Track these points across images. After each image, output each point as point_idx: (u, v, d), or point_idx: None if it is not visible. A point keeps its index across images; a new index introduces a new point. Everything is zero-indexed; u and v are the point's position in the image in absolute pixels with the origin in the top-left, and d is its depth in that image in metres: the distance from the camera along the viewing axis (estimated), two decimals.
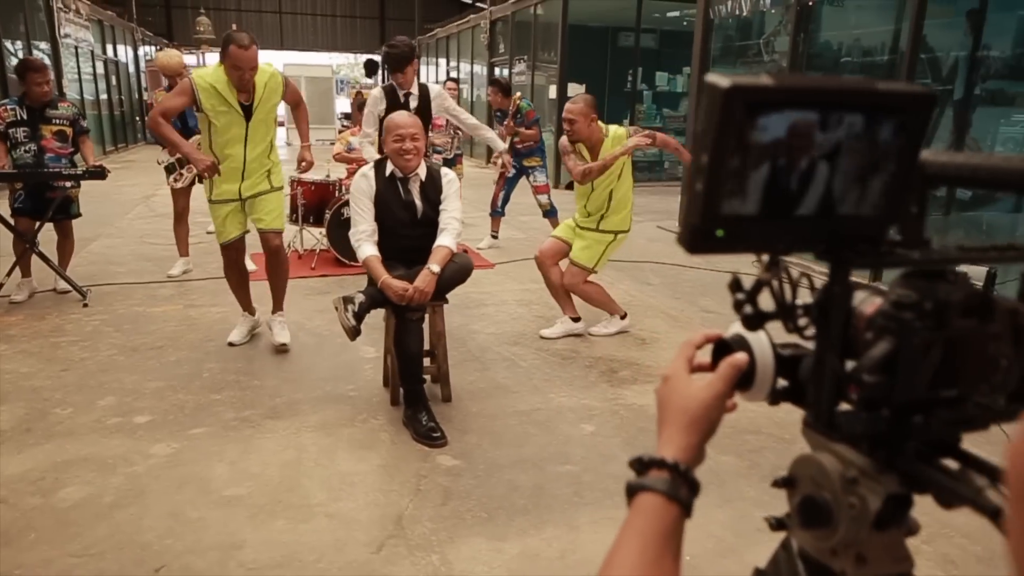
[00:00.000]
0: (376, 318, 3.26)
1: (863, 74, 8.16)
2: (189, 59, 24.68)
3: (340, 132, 19.69)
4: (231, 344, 4.00)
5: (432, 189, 3.24)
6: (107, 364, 3.76)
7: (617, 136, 4.07)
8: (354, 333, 3.04)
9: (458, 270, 3.14)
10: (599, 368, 3.84)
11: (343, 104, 23.01)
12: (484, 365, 3.85)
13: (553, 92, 11.53)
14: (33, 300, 4.84)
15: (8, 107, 4.66)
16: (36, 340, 4.08)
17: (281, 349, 3.95)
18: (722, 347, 0.77)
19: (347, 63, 36.04)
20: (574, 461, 2.84)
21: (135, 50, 18.81)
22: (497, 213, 6.90)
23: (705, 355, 0.80)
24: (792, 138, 0.54)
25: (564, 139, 4.17)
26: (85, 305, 4.69)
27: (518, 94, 6.97)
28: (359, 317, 3.03)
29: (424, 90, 4.60)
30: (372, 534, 2.34)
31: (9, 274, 4.71)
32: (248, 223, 3.96)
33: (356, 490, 2.60)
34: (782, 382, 0.76)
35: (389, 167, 3.22)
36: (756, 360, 0.74)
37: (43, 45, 11.82)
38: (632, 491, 0.69)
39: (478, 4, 22.31)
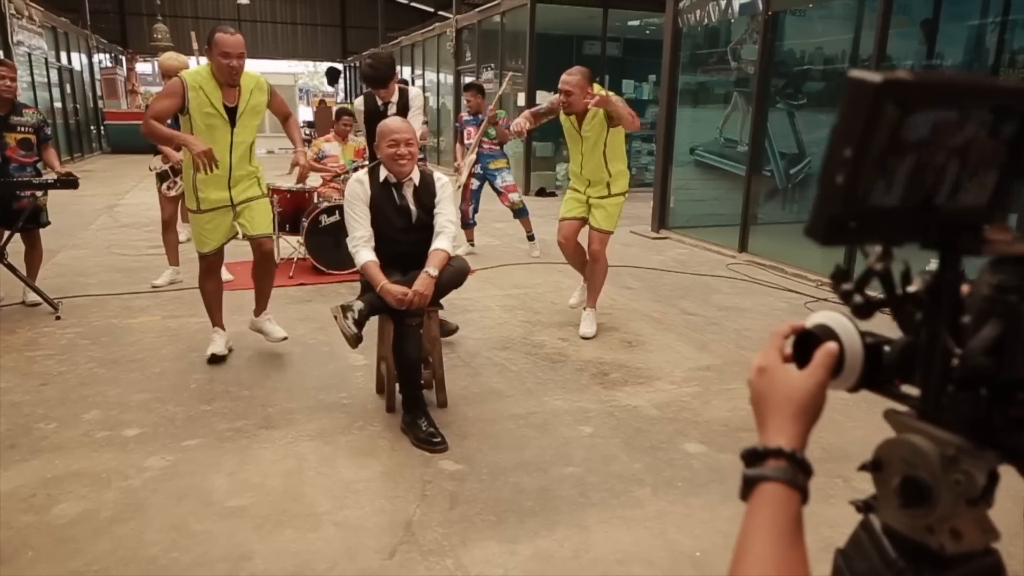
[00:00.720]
0: (368, 325, 3.23)
1: (825, 80, 8.42)
2: (144, 67, 24.23)
3: (306, 141, 19.48)
4: (216, 356, 3.85)
5: (426, 194, 3.25)
6: (87, 377, 3.65)
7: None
8: (356, 340, 3.03)
9: (455, 274, 3.14)
10: (589, 371, 3.87)
11: (305, 113, 22.82)
12: (475, 370, 3.85)
13: (522, 99, 11.59)
14: (1, 313, 4.68)
15: None
16: (10, 354, 3.95)
17: (282, 341, 3.96)
18: (804, 337, 0.80)
19: (307, 71, 35.69)
20: (576, 463, 2.86)
21: (89, 58, 18.35)
22: (469, 224, 6.91)
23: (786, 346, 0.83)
24: (933, 133, 0.57)
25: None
26: (58, 318, 4.55)
27: (494, 102, 7.00)
28: (360, 324, 3.02)
29: (403, 94, 4.54)
30: (383, 541, 2.33)
31: None
32: (233, 230, 3.85)
33: (361, 497, 2.58)
34: None
35: (383, 173, 3.22)
36: (845, 348, 0.77)
37: None
38: (751, 482, 0.70)
39: (440, 13, 22.35)
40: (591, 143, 4.27)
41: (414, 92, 4.59)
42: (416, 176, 3.24)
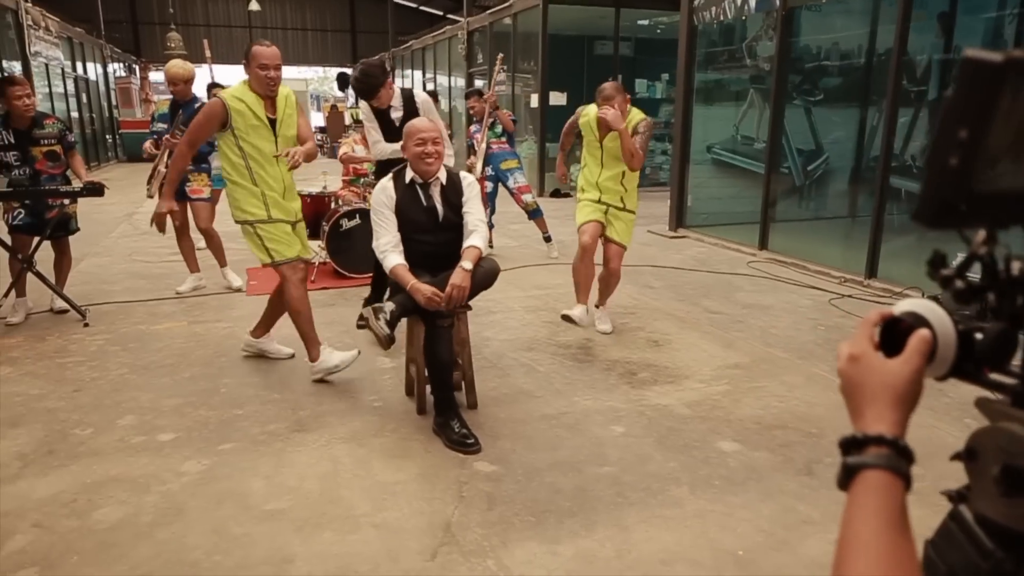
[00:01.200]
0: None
1: (842, 76, 8.36)
2: (157, 75, 24.42)
3: (320, 147, 19.54)
4: (342, 365, 3.64)
5: (453, 193, 3.26)
6: (119, 383, 3.68)
7: (634, 118, 4.24)
8: (389, 341, 3.04)
9: (486, 275, 3.14)
10: (617, 370, 3.86)
11: (317, 118, 22.93)
12: (503, 371, 3.85)
13: (535, 101, 11.60)
14: (30, 321, 4.73)
15: None
16: (41, 361, 3.99)
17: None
18: (891, 325, 0.79)
19: (317, 77, 35.82)
20: (611, 462, 2.85)
21: (104, 67, 18.53)
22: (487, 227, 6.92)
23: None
24: None
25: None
26: (86, 325, 4.59)
27: (491, 87, 6.96)
28: (392, 325, 3.03)
29: (409, 97, 4.33)
30: (423, 542, 2.33)
31: (6, 295, 4.61)
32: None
33: (399, 499, 2.58)
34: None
35: (409, 174, 3.23)
36: (937, 335, 0.76)
37: (13, 64, 11.59)
38: (852, 470, 0.69)
39: (450, 16, 22.38)
40: (612, 155, 4.28)
41: (422, 98, 4.35)
42: (443, 175, 3.25)
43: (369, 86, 4.16)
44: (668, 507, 2.54)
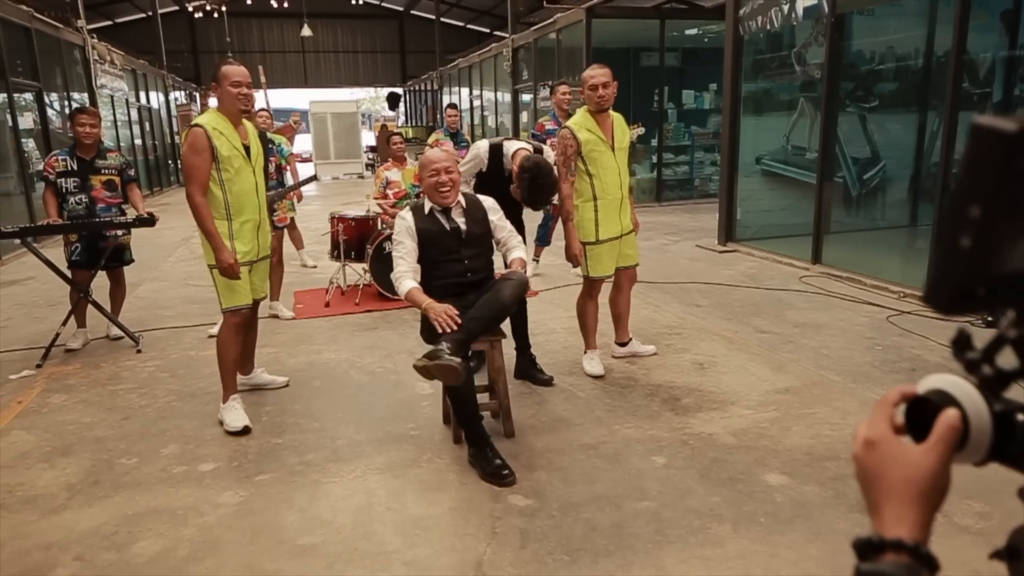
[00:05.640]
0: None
1: (898, 80, 8.05)
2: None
3: (370, 166, 19.78)
4: (247, 429, 3.42)
5: (475, 209, 3.31)
6: (166, 411, 3.76)
7: (620, 120, 4.02)
8: (465, 371, 2.87)
9: (517, 286, 3.09)
10: (660, 396, 3.75)
11: (368, 137, 23.35)
12: (542, 397, 3.78)
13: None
14: (87, 348, 4.89)
15: (59, 157, 4.74)
16: (95, 389, 4.11)
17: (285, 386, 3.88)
18: (917, 405, 0.70)
19: (368, 97, 36.58)
20: (651, 496, 2.75)
21: (166, 95, 19.29)
22: (542, 243, 6.93)
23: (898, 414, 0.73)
24: None
25: (567, 136, 3.79)
26: (139, 351, 4.73)
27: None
28: (458, 353, 2.87)
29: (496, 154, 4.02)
30: None
31: (65, 323, 4.77)
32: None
33: (431, 535, 2.54)
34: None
35: (428, 205, 3.25)
36: (969, 417, 0.67)
37: (81, 96, 12.16)
38: None
39: (496, 33, 22.56)
40: (624, 154, 3.98)
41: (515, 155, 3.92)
42: (463, 200, 3.29)
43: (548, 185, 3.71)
44: (709, 547, 2.42)
